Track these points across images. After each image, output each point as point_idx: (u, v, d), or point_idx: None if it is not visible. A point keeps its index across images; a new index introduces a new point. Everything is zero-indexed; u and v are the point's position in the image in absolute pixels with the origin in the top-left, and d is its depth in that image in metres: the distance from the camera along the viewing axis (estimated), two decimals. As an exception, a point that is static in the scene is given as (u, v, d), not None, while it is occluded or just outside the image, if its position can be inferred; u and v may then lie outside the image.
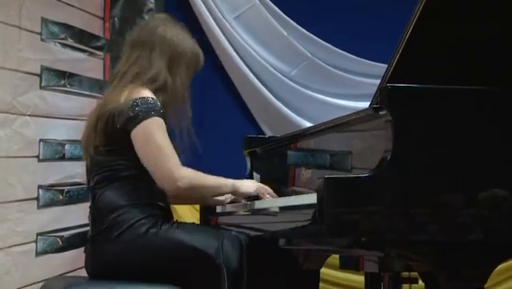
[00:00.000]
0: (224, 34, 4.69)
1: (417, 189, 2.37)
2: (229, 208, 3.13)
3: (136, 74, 2.91)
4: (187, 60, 2.99)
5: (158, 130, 2.81)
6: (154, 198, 2.84)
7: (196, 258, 2.74)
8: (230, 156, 3.95)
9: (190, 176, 2.83)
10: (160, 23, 3.01)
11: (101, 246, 2.77)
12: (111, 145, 2.83)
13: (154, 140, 2.79)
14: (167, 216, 2.87)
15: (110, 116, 2.82)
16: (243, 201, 3.00)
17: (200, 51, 3.05)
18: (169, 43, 2.96)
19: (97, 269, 2.81)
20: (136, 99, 2.81)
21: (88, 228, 2.91)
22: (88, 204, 2.93)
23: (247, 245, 2.81)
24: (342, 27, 4.74)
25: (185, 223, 2.92)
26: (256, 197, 2.97)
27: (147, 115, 2.79)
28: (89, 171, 2.91)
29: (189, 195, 2.94)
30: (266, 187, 2.99)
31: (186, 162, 2.89)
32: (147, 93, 2.85)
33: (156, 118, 2.81)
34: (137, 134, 2.80)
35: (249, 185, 2.97)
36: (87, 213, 2.92)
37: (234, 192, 2.96)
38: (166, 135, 2.83)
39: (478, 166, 2.41)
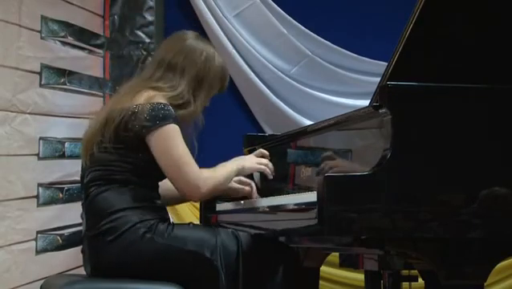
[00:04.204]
0: (224, 33, 4.69)
1: (417, 187, 2.37)
2: (229, 206, 3.13)
3: (158, 87, 2.90)
4: (213, 85, 3.00)
5: (177, 137, 2.81)
6: (150, 200, 2.85)
7: (192, 261, 2.75)
8: (230, 154, 3.94)
9: (209, 178, 2.86)
10: (193, 46, 2.98)
11: (98, 249, 2.78)
12: (118, 144, 2.82)
13: (175, 148, 2.80)
14: (163, 216, 2.87)
15: (123, 116, 2.81)
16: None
17: (227, 75, 3.06)
18: (200, 69, 2.95)
19: (95, 270, 2.81)
20: (153, 104, 2.81)
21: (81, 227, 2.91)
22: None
23: (245, 241, 2.82)
24: (342, 25, 4.74)
25: (180, 225, 2.92)
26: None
27: (165, 121, 2.79)
28: (85, 168, 2.91)
29: (211, 196, 2.98)
30: (266, 161, 3.06)
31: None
32: (163, 100, 2.85)
33: (174, 125, 2.81)
34: (156, 140, 2.80)
35: (251, 162, 3.04)
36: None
37: (240, 172, 2.99)
38: (183, 142, 2.84)
39: (478, 164, 2.41)
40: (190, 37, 3.03)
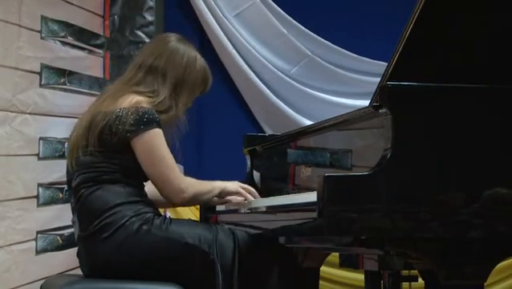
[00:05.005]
0: (224, 33, 4.69)
1: (417, 187, 2.37)
2: (229, 206, 3.13)
3: (139, 92, 2.91)
4: (195, 88, 3.01)
5: (161, 142, 2.84)
6: (142, 196, 2.87)
7: (189, 254, 2.76)
8: (230, 154, 3.95)
9: (192, 185, 2.90)
10: (175, 48, 2.98)
11: (94, 247, 2.78)
12: (102, 147, 2.83)
13: (158, 153, 2.83)
14: (157, 211, 2.89)
15: (107, 120, 2.82)
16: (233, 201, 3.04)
17: (209, 78, 3.06)
18: (181, 73, 2.95)
19: (93, 270, 2.81)
20: (138, 108, 2.83)
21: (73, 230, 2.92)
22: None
23: (242, 238, 2.82)
24: (342, 25, 4.74)
25: (178, 220, 2.93)
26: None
27: (149, 126, 2.81)
28: (71, 171, 2.91)
29: (192, 203, 3.06)
30: (249, 187, 3.05)
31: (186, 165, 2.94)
32: (146, 105, 2.86)
33: (158, 129, 2.83)
34: (140, 144, 2.82)
35: (233, 186, 3.03)
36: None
37: (221, 193, 3.00)
38: (167, 146, 2.86)
39: (479, 164, 2.41)
40: (173, 40, 3.02)
